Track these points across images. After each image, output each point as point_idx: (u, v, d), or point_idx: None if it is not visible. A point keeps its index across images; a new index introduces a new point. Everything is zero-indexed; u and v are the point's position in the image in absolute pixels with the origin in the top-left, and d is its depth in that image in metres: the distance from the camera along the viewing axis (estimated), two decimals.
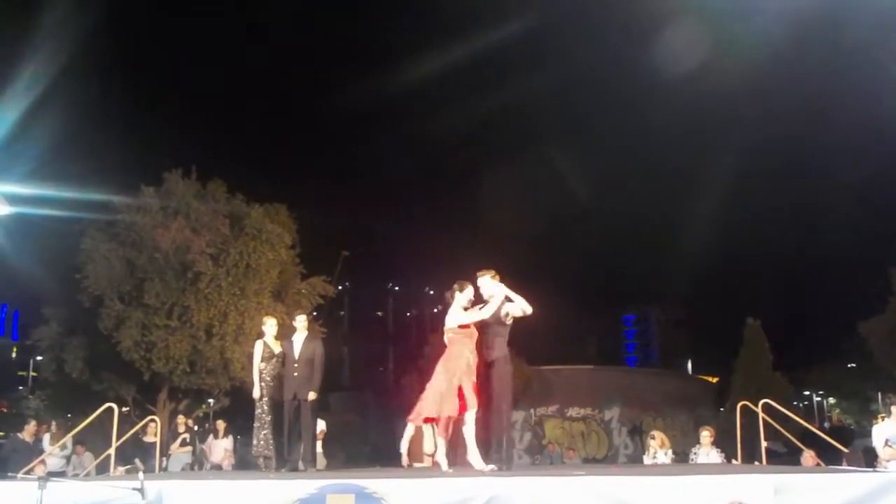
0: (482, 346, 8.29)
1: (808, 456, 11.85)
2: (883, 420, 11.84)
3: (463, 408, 8.21)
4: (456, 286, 8.47)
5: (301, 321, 10.55)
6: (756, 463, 11.47)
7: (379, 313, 54.85)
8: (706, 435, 12.55)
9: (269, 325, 10.77)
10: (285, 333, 10.91)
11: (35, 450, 14.08)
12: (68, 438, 14.20)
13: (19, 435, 14.50)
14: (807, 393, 56.31)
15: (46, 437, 14.88)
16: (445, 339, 8.49)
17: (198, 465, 15.51)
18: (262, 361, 10.38)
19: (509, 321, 8.39)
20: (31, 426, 14.78)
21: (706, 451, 12.35)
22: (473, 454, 8.30)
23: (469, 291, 8.45)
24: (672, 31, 32.95)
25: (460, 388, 8.18)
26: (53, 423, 16.10)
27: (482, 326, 8.37)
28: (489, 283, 8.43)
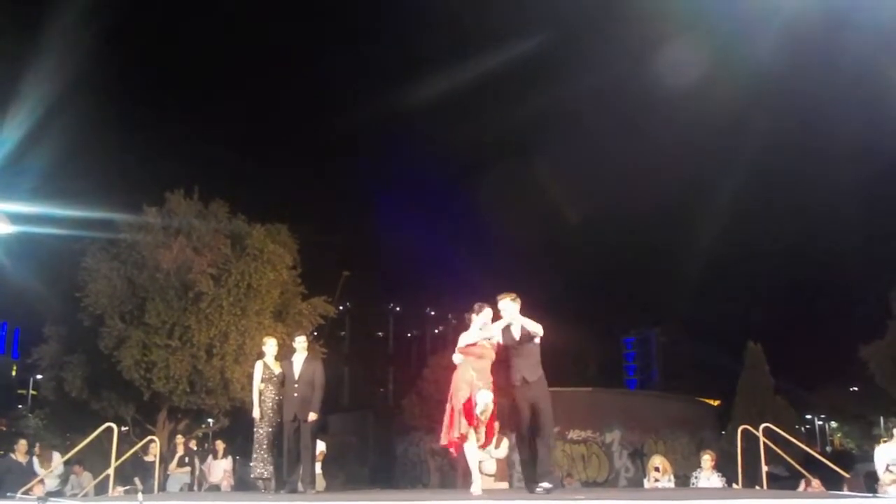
0: (510, 369, 8.24)
1: (814, 485, 11.78)
2: (884, 443, 11.81)
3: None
4: (475, 307, 8.49)
5: (300, 342, 10.56)
6: (757, 487, 11.43)
7: (380, 334, 54.71)
8: (707, 459, 12.50)
9: (270, 346, 10.78)
10: (285, 354, 10.91)
11: (29, 470, 14.00)
12: (59, 463, 14.13)
13: (12, 455, 14.43)
14: (808, 417, 56.09)
15: (36, 461, 14.78)
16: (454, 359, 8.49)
17: (197, 485, 15.45)
18: (261, 382, 10.38)
19: (532, 343, 8.30)
20: (22, 445, 14.70)
21: (707, 475, 12.30)
22: (473, 478, 8.28)
23: (487, 314, 8.44)
24: (671, 49, 33.16)
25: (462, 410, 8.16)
26: (38, 445, 16.00)
27: (505, 349, 8.35)
28: (505, 306, 8.42)
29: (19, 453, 14.40)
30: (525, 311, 8.42)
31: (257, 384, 10.39)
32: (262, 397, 10.33)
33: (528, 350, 8.21)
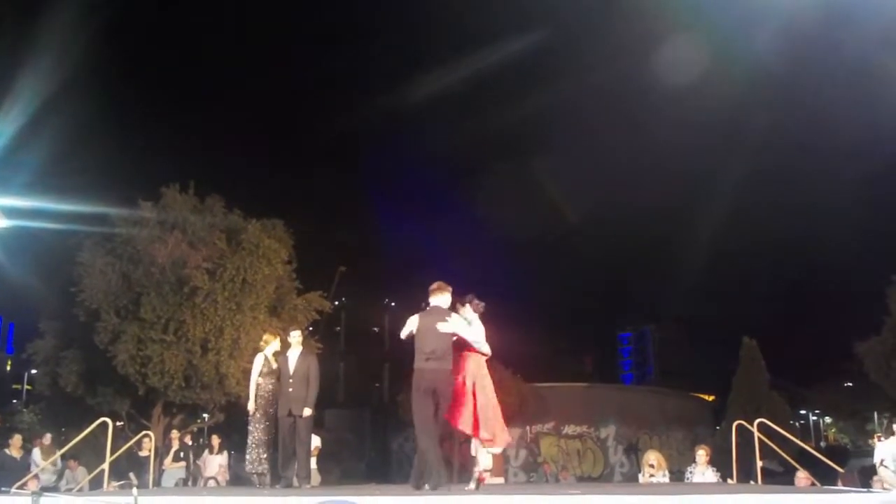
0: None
1: (803, 476, 11.82)
2: (880, 440, 11.86)
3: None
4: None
5: (295, 337, 10.52)
6: (751, 482, 11.45)
7: (375, 329, 54.52)
8: (702, 454, 12.51)
9: (274, 345, 10.68)
10: (280, 349, 10.89)
11: (23, 465, 13.98)
12: (56, 457, 14.11)
13: (6, 450, 14.40)
14: (803, 412, 56.24)
15: (36, 451, 14.75)
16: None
17: (192, 480, 15.45)
18: (260, 376, 10.31)
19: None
20: (17, 440, 14.66)
21: (702, 471, 12.30)
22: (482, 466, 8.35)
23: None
24: (672, 48, 33.16)
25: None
26: (48, 435, 15.96)
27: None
28: None
29: (13, 448, 14.37)
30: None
31: (255, 377, 10.33)
32: (259, 391, 10.28)
33: None
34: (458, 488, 8.34)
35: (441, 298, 8.49)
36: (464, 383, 8.21)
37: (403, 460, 31.93)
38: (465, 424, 8.09)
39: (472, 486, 8.19)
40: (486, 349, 8.41)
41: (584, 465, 30.62)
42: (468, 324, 8.40)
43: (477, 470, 8.29)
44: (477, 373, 8.25)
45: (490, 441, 8.21)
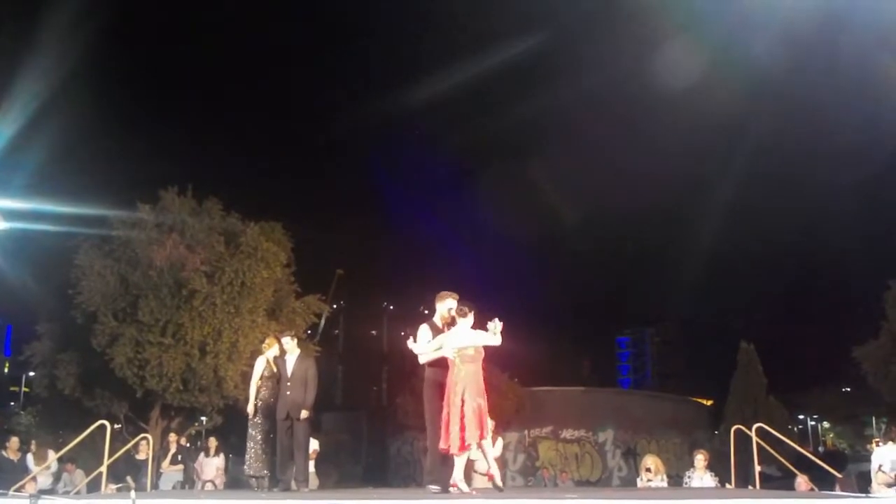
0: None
1: (802, 481, 11.82)
2: (878, 445, 11.86)
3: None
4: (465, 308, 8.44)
5: (287, 342, 10.51)
6: (750, 487, 11.45)
7: (373, 332, 54.50)
8: (700, 458, 12.50)
9: (273, 350, 10.66)
10: (279, 353, 10.88)
11: (20, 467, 13.93)
12: (53, 459, 14.07)
13: (3, 453, 14.35)
14: (801, 417, 56.29)
15: (30, 457, 14.70)
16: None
17: (189, 483, 15.41)
18: (260, 378, 10.30)
19: None
20: (14, 443, 14.61)
21: (700, 475, 12.30)
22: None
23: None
24: (670, 49, 33.18)
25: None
26: (33, 442, 15.90)
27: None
28: None
29: (10, 451, 14.32)
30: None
31: (256, 380, 10.31)
32: (259, 394, 10.26)
33: None
34: (457, 492, 8.30)
35: (436, 308, 8.52)
36: (442, 395, 8.16)
37: (401, 464, 31.90)
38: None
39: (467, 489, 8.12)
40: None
41: (581, 470, 30.60)
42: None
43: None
44: (450, 380, 8.08)
45: (444, 449, 8.01)
